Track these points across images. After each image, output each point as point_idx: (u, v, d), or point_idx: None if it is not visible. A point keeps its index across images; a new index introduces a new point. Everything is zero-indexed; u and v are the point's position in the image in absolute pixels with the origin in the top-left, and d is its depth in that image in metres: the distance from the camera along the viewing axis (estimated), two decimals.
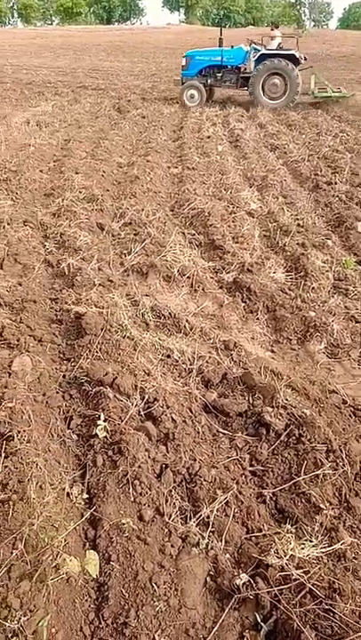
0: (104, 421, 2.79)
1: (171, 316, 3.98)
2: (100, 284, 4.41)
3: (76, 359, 3.45)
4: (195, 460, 2.68)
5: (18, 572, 2.04)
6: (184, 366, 3.44)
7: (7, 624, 1.85)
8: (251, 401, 3.11)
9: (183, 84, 14.65)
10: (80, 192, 6.57)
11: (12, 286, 4.44)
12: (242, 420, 3.05)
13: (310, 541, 2.27)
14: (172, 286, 4.65)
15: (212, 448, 2.87)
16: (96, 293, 4.19)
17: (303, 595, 2.03)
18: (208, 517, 2.38)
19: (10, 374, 3.24)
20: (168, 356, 3.52)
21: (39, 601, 1.94)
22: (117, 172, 8.18)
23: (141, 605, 2.03)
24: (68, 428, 2.96)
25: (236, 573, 2.16)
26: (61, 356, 3.61)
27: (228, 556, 2.27)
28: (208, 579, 2.19)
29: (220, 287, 4.74)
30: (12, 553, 2.08)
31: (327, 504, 2.48)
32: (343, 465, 2.65)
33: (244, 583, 2.10)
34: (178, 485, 2.58)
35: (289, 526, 2.37)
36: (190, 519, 2.40)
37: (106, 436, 2.74)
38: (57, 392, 3.21)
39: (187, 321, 3.93)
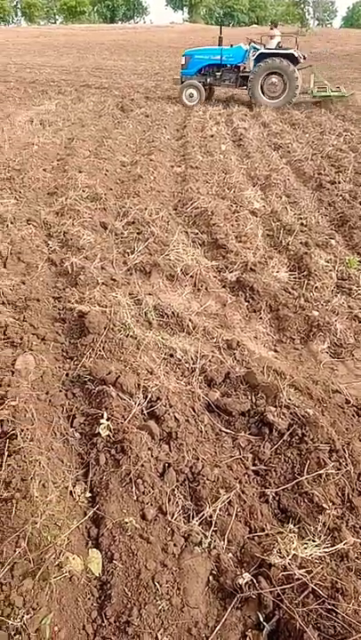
0: (107, 420, 2.79)
1: (174, 315, 3.98)
2: (103, 283, 4.41)
3: (79, 358, 3.45)
4: (197, 459, 2.68)
5: (21, 570, 2.04)
6: (187, 365, 3.44)
7: (10, 622, 1.86)
8: (254, 400, 3.11)
9: (182, 82, 14.66)
10: (83, 191, 6.58)
11: (16, 285, 4.45)
12: (245, 419, 3.05)
13: (313, 541, 2.26)
14: (175, 285, 4.65)
15: (214, 447, 2.87)
16: (99, 292, 4.19)
17: (306, 594, 2.03)
18: (211, 517, 2.38)
19: (13, 373, 3.25)
20: (171, 355, 3.52)
21: (42, 599, 1.95)
22: (121, 170, 8.18)
23: (144, 604, 2.03)
24: (71, 427, 2.97)
25: (238, 573, 2.16)
26: (64, 354, 3.62)
27: (230, 555, 2.27)
28: (211, 578, 2.19)
29: (223, 286, 4.73)
30: (14, 551, 2.09)
31: (330, 504, 2.48)
32: (346, 465, 2.65)
33: (246, 582, 2.10)
34: (181, 484, 2.58)
35: (292, 526, 2.36)
36: (193, 518, 2.40)
37: (109, 435, 2.74)
38: (60, 391, 3.22)
39: (190, 320, 3.93)
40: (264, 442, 2.85)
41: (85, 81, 19.15)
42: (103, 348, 3.48)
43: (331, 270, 4.91)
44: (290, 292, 4.55)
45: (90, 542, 2.31)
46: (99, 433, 2.75)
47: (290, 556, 2.16)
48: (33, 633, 1.85)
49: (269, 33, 14.50)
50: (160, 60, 27.65)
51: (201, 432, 2.92)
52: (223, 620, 2.03)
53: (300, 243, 5.47)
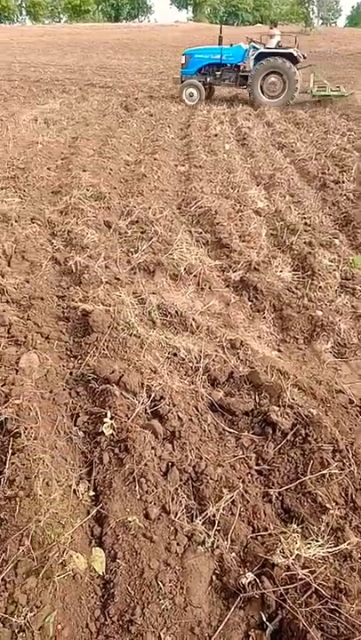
0: (110, 419, 2.80)
1: (177, 314, 3.98)
2: (106, 282, 4.42)
3: (83, 356, 3.45)
4: (201, 458, 2.68)
5: (24, 568, 2.05)
6: (190, 364, 3.44)
7: (14, 619, 1.87)
8: (257, 400, 3.11)
9: (182, 82, 14.66)
10: (87, 190, 6.58)
11: (20, 283, 4.46)
12: (248, 418, 3.05)
13: (316, 541, 2.26)
14: (178, 285, 4.65)
15: (218, 447, 2.87)
16: (103, 291, 4.20)
17: (309, 594, 2.03)
18: (214, 516, 2.38)
19: (17, 371, 3.26)
20: (175, 355, 3.52)
21: (45, 597, 1.95)
22: (125, 169, 8.18)
23: (147, 603, 2.04)
24: (75, 426, 2.97)
25: (241, 572, 2.16)
26: (68, 353, 3.63)
27: (233, 554, 2.27)
28: (214, 577, 2.19)
29: (227, 286, 4.73)
30: (18, 549, 2.09)
31: (333, 504, 2.47)
32: (350, 465, 2.64)
33: (249, 582, 2.10)
34: (184, 484, 2.59)
35: (295, 526, 2.36)
36: (196, 517, 2.41)
37: (112, 434, 2.75)
38: (64, 389, 3.22)
39: (193, 319, 3.93)
40: (267, 441, 2.85)
41: (90, 80, 19.15)
42: (107, 346, 3.49)
43: (335, 270, 4.90)
44: (293, 292, 4.54)
45: (93, 541, 2.31)
46: (102, 432, 2.76)
47: (293, 556, 2.16)
48: (37, 631, 1.86)
49: (269, 32, 14.52)
50: (164, 59, 27.61)
51: (204, 431, 2.92)
52: (226, 619, 2.03)
53: (304, 242, 5.46)
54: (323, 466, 2.62)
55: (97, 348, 3.47)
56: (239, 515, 2.40)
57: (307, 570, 2.10)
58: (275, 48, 13.85)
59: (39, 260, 4.90)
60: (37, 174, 7.25)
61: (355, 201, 6.69)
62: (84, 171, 7.44)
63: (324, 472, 2.58)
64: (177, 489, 2.53)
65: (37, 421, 2.75)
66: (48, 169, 7.76)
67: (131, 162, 8.62)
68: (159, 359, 3.43)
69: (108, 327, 3.60)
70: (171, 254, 4.95)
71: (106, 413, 2.84)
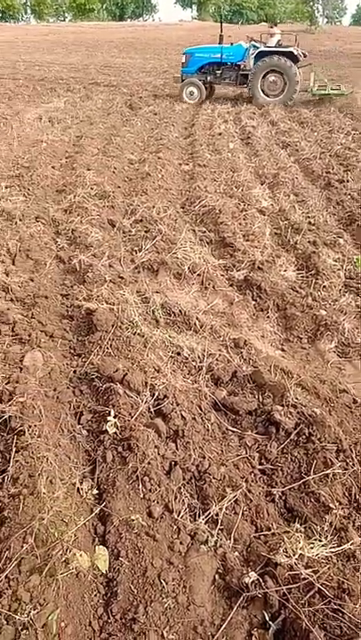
0: (114, 417, 2.80)
1: (181, 313, 3.98)
2: (110, 281, 4.42)
3: (87, 355, 3.46)
4: (204, 457, 2.68)
5: (28, 565, 2.05)
6: (194, 364, 3.44)
7: (18, 617, 1.87)
8: (261, 399, 3.10)
9: (183, 81, 14.65)
10: (91, 188, 6.59)
11: (24, 282, 4.47)
12: (251, 418, 3.05)
13: (320, 541, 2.26)
14: (182, 284, 4.65)
15: (221, 446, 2.87)
16: (107, 290, 4.20)
17: (312, 594, 2.03)
18: (217, 515, 2.38)
19: (21, 369, 3.27)
20: (178, 354, 3.52)
21: (49, 595, 1.96)
22: (129, 168, 8.18)
23: (150, 601, 2.04)
24: (79, 424, 2.98)
25: (244, 572, 2.16)
26: (72, 351, 3.63)
27: (236, 554, 2.27)
28: (217, 576, 2.19)
29: (231, 285, 4.73)
30: (22, 547, 2.10)
31: (337, 504, 2.47)
32: (353, 464, 2.64)
33: (252, 581, 2.10)
34: (187, 483, 2.59)
35: (298, 525, 2.36)
36: (199, 517, 2.41)
37: (116, 432, 2.75)
38: (67, 387, 3.23)
39: (197, 318, 3.93)
40: (271, 441, 2.84)
41: (94, 79, 19.14)
42: (111, 345, 3.49)
43: (339, 269, 4.89)
44: (297, 291, 4.53)
45: (96, 539, 2.32)
46: (106, 430, 2.76)
47: (296, 556, 2.15)
48: (40, 628, 1.86)
49: (269, 31, 14.51)
50: (168, 58, 27.55)
51: (208, 430, 2.92)
52: (229, 618, 2.03)
53: (308, 241, 5.45)
54: (326, 465, 2.62)
55: (101, 347, 3.48)
56: (242, 514, 2.40)
57: (310, 569, 2.10)
58: (275, 47, 13.83)
59: (43, 259, 4.91)
60: (42, 173, 7.27)
61: (359, 200, 6.66)
62: (89, 169, 7.44)
63: (327, 472, 2.58)
64: (180, 488, 2.53)
65: (41, 419, 2.76)
66: (52, 168, 7.77)
67: (135, 161, 8.62)
68: (163, 358, 3.43)
69: (112, 326, 3.60)
70: (175, 253, 4.95)
71: (109, 412, 2.84)
